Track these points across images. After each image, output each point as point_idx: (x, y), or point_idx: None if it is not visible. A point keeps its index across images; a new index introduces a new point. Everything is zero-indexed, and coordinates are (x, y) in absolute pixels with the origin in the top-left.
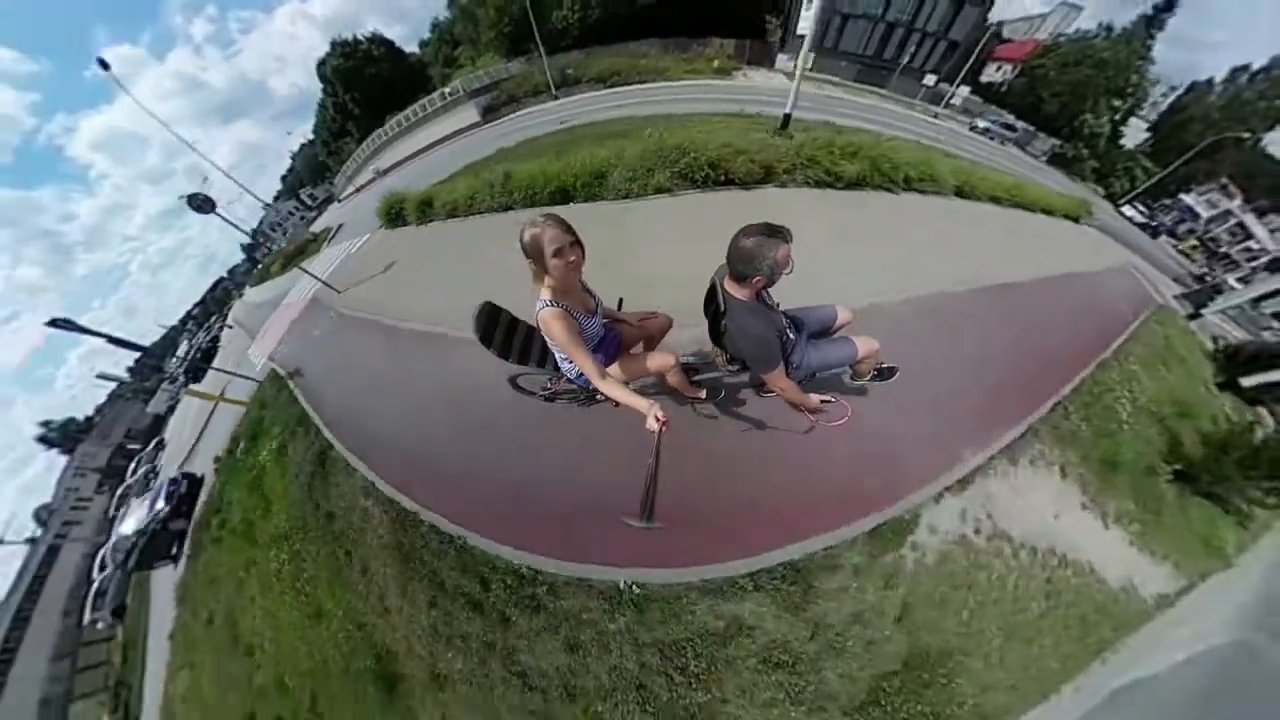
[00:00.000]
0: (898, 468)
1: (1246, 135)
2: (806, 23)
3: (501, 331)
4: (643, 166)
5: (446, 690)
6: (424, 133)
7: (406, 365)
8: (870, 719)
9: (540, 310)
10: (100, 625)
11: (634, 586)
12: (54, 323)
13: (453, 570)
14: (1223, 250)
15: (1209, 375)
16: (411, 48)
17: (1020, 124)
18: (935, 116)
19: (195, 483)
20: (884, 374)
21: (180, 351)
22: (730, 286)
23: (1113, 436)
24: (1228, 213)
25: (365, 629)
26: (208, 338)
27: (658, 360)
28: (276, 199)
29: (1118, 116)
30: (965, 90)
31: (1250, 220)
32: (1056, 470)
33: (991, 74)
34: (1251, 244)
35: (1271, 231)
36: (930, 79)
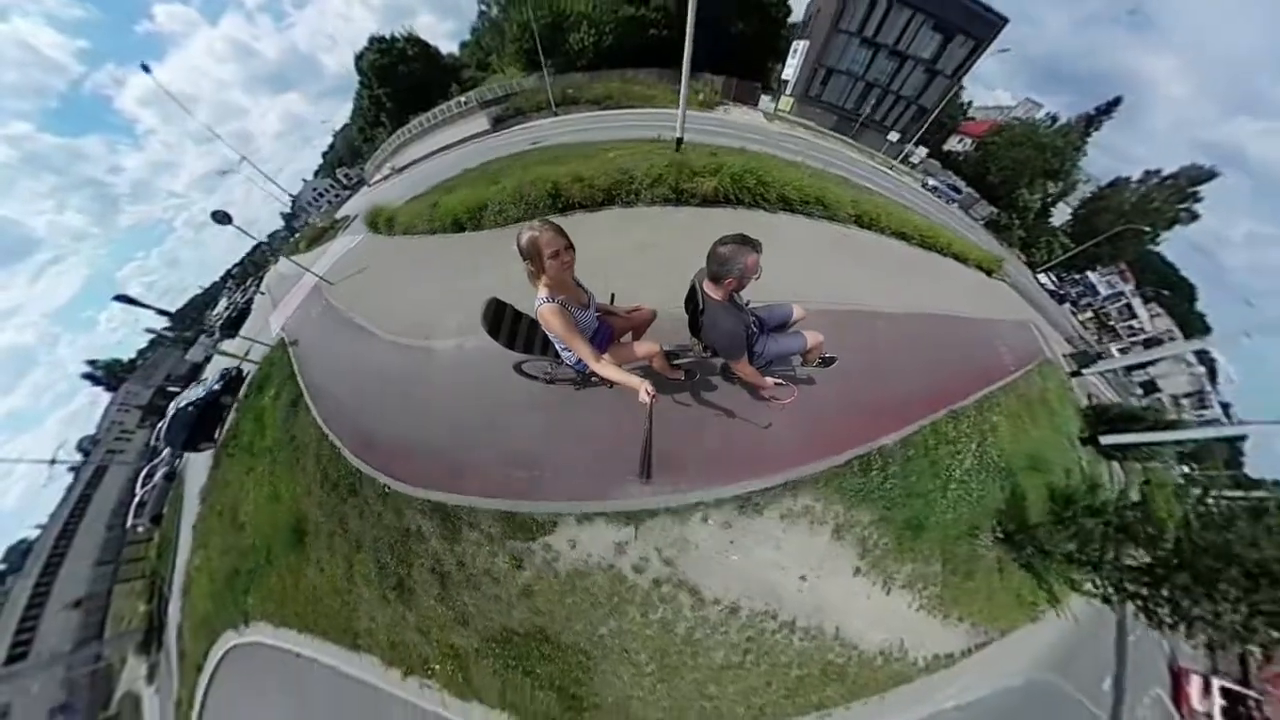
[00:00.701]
0: (559, 475)
1: (1147, 230)
2: (791, 70)
3: (507, 324)
4: (509, 200)
5: (319, 540)
6: (443, 134)
7: (346, 347)
8: (499, 653)
9: (539, 305)
10: (140, 529)
11: (386, 487)
12: (118, 298)
13: (330, 467)
14: (1111, 324)
15: (1075, 430)
16: (453, 46)
17: (966, 188)
18: (890, 169)
19: (241, 374)
20: (826, 362)
21: (220, 307)
22: (708, 287)
23: (928, 496)
24: (1121, 294)
25: (296, 502)
26: (244, 299)
27: (644, 347)
28: (317, 174)
29: (1049, 197)
30: (923, 151)
31: (1137, 303)
32: (827, 530)
33: (954, 144)
34: (1135, 322)
35: (1151, 316)
36: (894, 136)
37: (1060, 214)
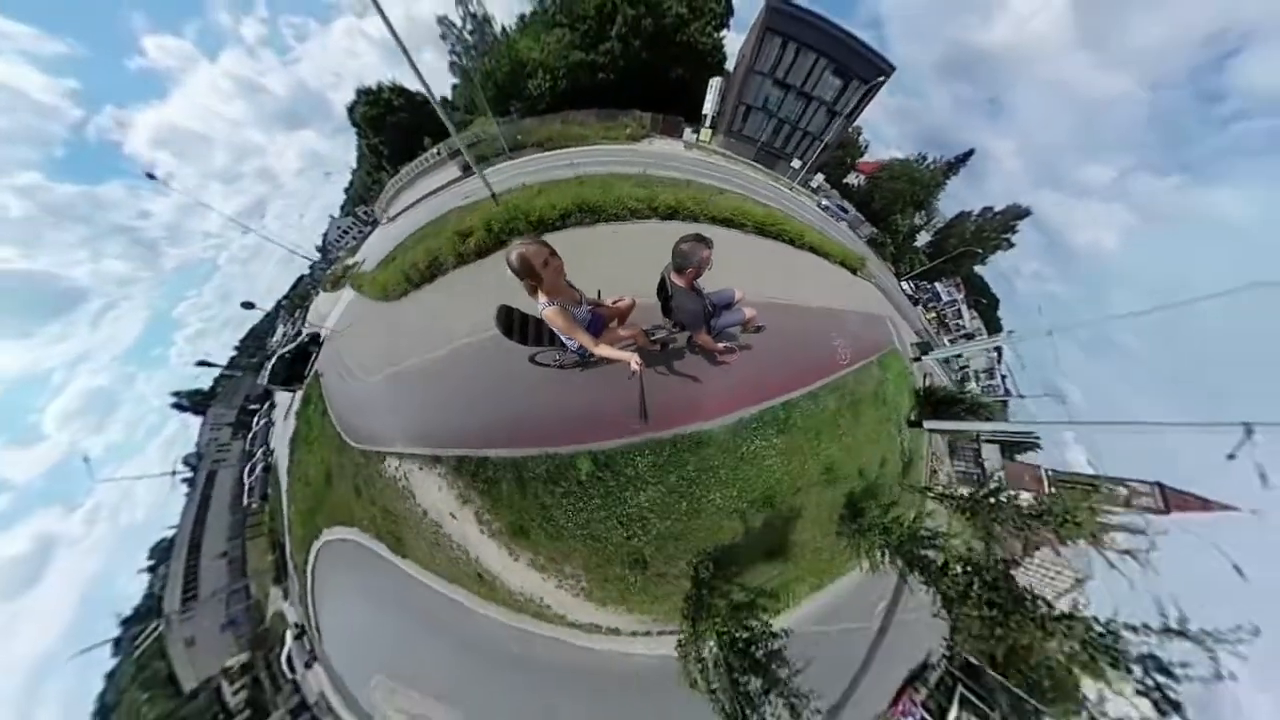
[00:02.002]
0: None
1: (979, 252)
2: (709, 105)
3: (518, 325)
4: (394, 282)
5: (336, 478)
6: (428, 180)
7: (342, 378)
8: (381, 520)
9: (543, 310)
10: (254, 506)
11: (349, 444)
12: (200, 363)
13: (337, 442)
14: (946, 322)
15: (905, 412)
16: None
17: (853, 210)
18: (790, 189)
19: (319, 336)
20: (759, 330)
21: (278, 335)
22: (674, 277)
23: (544, 510)
24: (955, 300)
25: (327, 462)
26: (294, 330)
27: (629, 329)
28: (343, 209)
29: (915, 224)
30: (820, 176)
31: (964, 308)
32: (454, 492)
33: (851, 179)
34: (961, 322)
35: (971, 318)
36: (796, 163)
37: (922, 238)
